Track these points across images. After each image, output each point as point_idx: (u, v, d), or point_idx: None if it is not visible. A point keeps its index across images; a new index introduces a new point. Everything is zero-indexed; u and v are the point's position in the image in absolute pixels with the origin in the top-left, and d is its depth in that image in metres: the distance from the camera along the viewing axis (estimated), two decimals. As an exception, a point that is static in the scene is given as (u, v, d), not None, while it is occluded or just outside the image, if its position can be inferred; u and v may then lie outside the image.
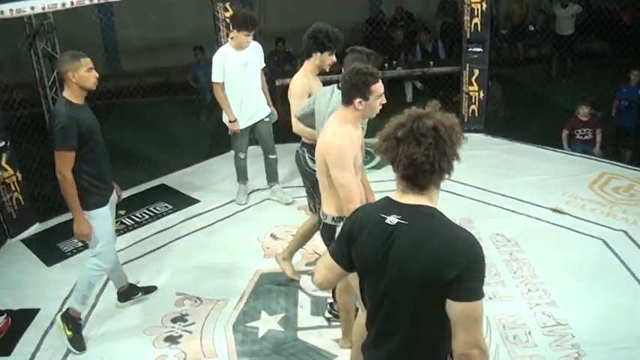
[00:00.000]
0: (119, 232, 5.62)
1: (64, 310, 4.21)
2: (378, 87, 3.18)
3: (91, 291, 4.17)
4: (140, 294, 4.57)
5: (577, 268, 4.68)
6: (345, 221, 2.34)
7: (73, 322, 4.11)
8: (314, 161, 3.88)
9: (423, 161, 2.01)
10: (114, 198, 4.20)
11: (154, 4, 7.18)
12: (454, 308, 1.97)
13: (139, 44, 10.21)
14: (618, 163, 6.56)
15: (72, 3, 5.74)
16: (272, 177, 6.10)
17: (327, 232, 3.44)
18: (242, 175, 6.08)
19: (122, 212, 6.01)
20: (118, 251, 5.25)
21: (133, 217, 5.95)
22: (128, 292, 4.53)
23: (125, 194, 6.30)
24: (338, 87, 3.67)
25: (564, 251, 4.92)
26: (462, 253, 1.98)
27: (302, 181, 4.48)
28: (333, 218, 3.40)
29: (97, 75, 3.86)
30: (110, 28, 10.63)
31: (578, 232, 5.23)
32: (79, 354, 4.07)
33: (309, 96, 4.24)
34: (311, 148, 3.98)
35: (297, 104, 4.25)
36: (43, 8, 5.67)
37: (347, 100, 3.23)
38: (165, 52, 10.07)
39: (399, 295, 2.07)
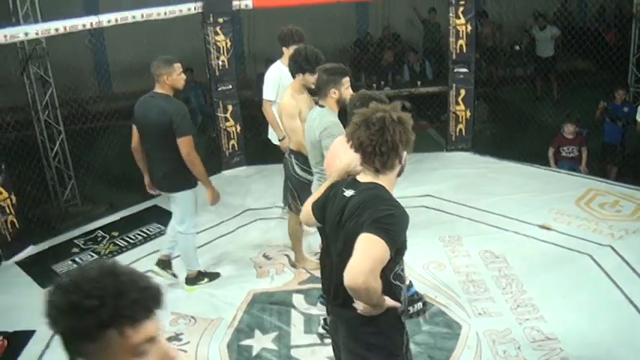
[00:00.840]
0: (112, 254, 5.70)
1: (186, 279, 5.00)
2: (347, 79, 3.89)
3: (194, 252, 4.97)
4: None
5: (565, 284, 4.77)
6: (327, 189, 2.81)
7: (200, 277, 5.02)
8: (301, 168, 4.59)
9: (367, 144, 2.46)
10: None
11: (145, 28, 7.26)
12: (358, 239, 2.39)
13: (130, 67, 10.29)
14: (604, 180, 6.68)
15: (65, 28, 5.84)
16: None
17: None
18: None
19: (115, 234, 6.08)
20: (112, 272, 5.35)
21: (126, 238, 6.01)
22: (166, 264, 5.06)
23: (118, 216, 6.47)
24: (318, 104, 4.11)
25: (552, 267, 5.01)
26: (379, 212, 2.42)
27: (285, 184, 4.94)
28: None
29: (185, 77, 4.61)
30: (101, 52, 10.73)
31: (565, 247, 5.32)
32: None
33: (300, 113, 4.58)
34: (298, 155, 4.65)
35: (288, 122, 4.68)
36: (37, 34, 5.77)
37: None
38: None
39: (346, 250, 2.46)
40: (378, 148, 2.46)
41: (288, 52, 5.28)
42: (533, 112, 8.95)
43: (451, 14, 7.19)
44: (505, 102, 9.14)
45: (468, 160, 7.25)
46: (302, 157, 4.69)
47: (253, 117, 7.64)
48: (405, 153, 2.56)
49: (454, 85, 7.42)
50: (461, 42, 7.21)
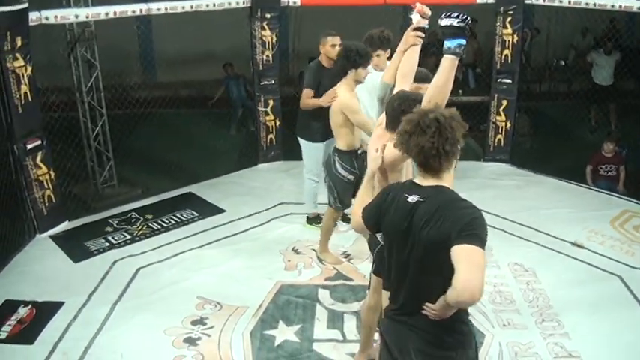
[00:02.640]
0: (146, 235, 5.80)
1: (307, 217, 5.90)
2: None
3: (308, 197, 5.84)
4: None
5: (592, 302, 4.71)
6: (379, 196, 2.77)
7: (314, 219, 5.85)
8: (342, 167, 4.80)
9: (430, 147, 2.42)
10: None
11: (193, 18, 7.37)
12: (454, 252, 2.33)
13: (175, 56, 10.45)
14: (638, 202, 6.56)
15: (115, 13, 5.96)
16: None
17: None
18: None
19: (149, 216, 6.18)
20: (143, 253, 5.48)
21: (159, 221, 6.09)
22: (315, 219, 5.84)
23: (153, 200, 6.59)
24: None
25: (581, 285, 4.95)
26: (462, 217, 2.40)
27: (325, 179, 5.13)
28: None
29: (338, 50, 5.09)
30: (148, 39, 10.90)
31: (595, 267, 5.24)
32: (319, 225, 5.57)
33: None
34: (342, 154, 4.87)
35: (355, 117, 4.78)
36: (87, 17, 5.90)
37: (395, 127, 3.14)
38: (200, 65, 10.29)
39: (419, 257, 2.49)
40: (442, 149, 2.43)
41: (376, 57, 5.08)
42: (574, 129, 8.84)
43: (498, 24, 7.14)
44: (546, 116, 9.05)
45: (505, 172, 7.20)
46: (346, 157, 4.86)
47: (293, 113, 7.68)
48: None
49: (496, 95, 7.36)
50: (506, 52, 7.15)
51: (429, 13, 3.39)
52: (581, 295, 4.80)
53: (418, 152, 2.46)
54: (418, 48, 3.47)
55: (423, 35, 3.41)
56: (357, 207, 2.89)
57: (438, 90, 2.94)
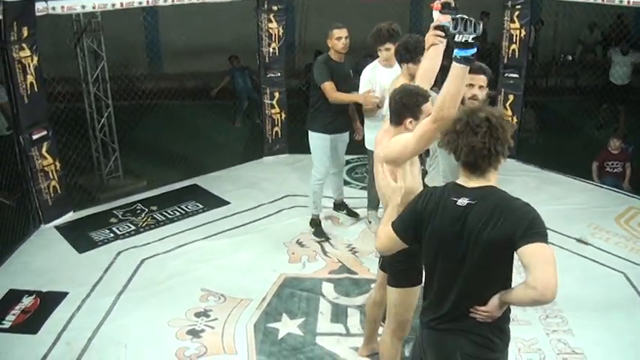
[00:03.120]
0: (150, 227, 5.81)
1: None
2: (429, 107, 3.14)
3: (315, 197, 5.57)
4: (345, 211, 5.93)
5: (596, 300, 4.69)
6: (412, 205, 2.66)
7: (313, 222, 5.63)
8: None
9: (481, 147, 2.37)
10: (345, 137, 5.65)
11: (200, 10, 7.36)
12: (525, 252, 2.31)
13: (182, 47, 10.44)
14: (644, 198, 6.54)
15: (122, 4, 5.95)
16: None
17: None
18: None
19: (154, 208, 6.19)
20: (147, 244, 5.48)
21: (164, 213, 6.10)
22: (339, 206, 5.97)
23: (158, 192, 6.58)
24: None
25: (585, 281, 4.93)
26: (524, 217, 2.36)
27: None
28: None
29: (345, 43, 5.32)
30: (155, 30, 10.89)
31: (600, 263, 5.22)
32: (321, 240, 5.52)
33: None
34: None
35: None
36: (94, 7, 5.87)
37: (397, 121, 3.23)
38: (206, 56, 10.28)
39: (475, 259, 2.43)
40: (494, 148, 2.38)
41: (379, 52, 5.12)
42: (581, 125, 8.80)
43: (506, 18, 7.09)
44: (553, 112, 9.01)
45: (511, 167, 7.16)
46: None
47: (299, 106, 7.68)
48: None
49: (503, 89, 7.33)
50: (514, 46, 7.10)
51: (451, 1, 3.30)
52: (585, 292, 4.77)
53: (468, 152, 2.40)
54: (440, 47, 3.37)
55: (443, 34, 3.29)
56: (381, 230, 2.78)
57: (451, 98, 2.80)
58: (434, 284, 2.63)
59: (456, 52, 2.71)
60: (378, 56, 5.21)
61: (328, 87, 5.33)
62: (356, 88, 5.37)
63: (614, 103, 9.02)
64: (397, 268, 3.34)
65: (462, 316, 2.55)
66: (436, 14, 3.33)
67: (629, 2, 6.31)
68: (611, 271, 5.10)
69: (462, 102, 3.67)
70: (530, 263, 2.30)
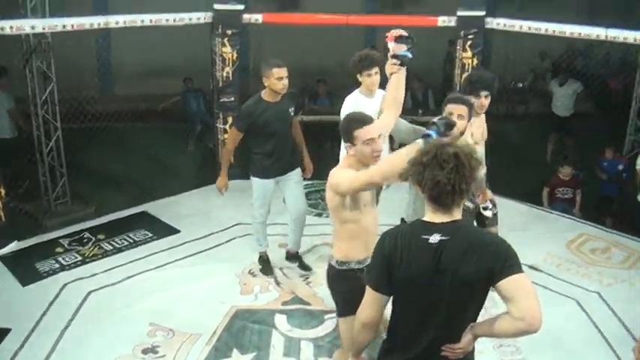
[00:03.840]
0: (97, 257, 5.63)
1: None
2: (363, 133, 3.13)
3: (258, 234, 5.40)
4: (297, 264, 5.54)
5: (549, 327, 4.60)
6: (379, 249, 2.55)
7: (260, 259, 5.46)
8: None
9: (446, 183, 2.34)
10: (293, 176, 5.27)
11: (153, 32, 7.28)
12: (506, 285, 2.34)
13: (134, 69, 10.28)
14: (597, 225, 6.62)
15: (72, 26, 5.83)
16: None
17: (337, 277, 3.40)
18: None
19: (101, 236, 6.02)
20: (94, 275, 5.31)
21: (112, 242, 5.93)
22: (293, 257, 5.57)
23: (106, 219, 6.42)
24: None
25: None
26: (500, 250, 2.39)
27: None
28: (338, 262, 3.37)
29: (285, 84, 4.88)
30: (106, 52, 10.70)
31: (552, 290, 5.25)
32: (269, 277, 5.33)
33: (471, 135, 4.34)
34: None
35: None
36: (44, 28, 5.74)
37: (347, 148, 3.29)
38: (160, 79, 10.14)
39: (453, 297, 2.40)
40: (458, 186, 2.36)
41: (362, 79, 4.86)
42: (531, 151, 8.92)
43: (458, 47, 7.21)
44: (504, 138, 9.10)
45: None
46: None
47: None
48: None
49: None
50: (466, 74, 7.20)
51: (402, 33, 3.33)
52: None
53: (433, 186, 2.37)
54: (400, 75, 3.42)
55: (398, 62, 3.36)
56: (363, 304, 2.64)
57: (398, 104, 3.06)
58: (402, 327, 2.57)
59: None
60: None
61: (231, 134, 5.23)
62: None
63: (560, 133, 9.10)
64: (340, 298, 3.36)
65: (434, 356, 2.52)
66: (391, 44, 3.35)
67: (580, 34, 6.48)
68: (564, 297, 5.15)
69: None
70: (513, 296, 2.33)
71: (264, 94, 5.00)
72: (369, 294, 2.57)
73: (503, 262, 2.34)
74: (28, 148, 6.77)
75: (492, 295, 2.41)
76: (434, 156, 2.36)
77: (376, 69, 4.79)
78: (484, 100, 4.46)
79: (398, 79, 3.43)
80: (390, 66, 3.41)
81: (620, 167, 7.38)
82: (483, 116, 4.69)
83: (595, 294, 5.20)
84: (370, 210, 3.34)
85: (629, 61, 9.23)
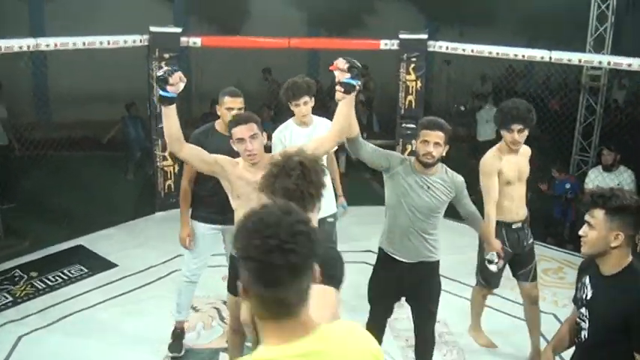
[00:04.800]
0: (29, 297, 5.28)
1: None
2: (235, 131, 3.45)
3: (180, 298, 4.53)
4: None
5: (507, 352, 4.61)
6: None
7: (174, 331, 4.57)
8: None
9: (294, 189, 2.43)
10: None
11: (90, 56, 7.04)
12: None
13: (71, 95, 9.96)
14: (547, 245, 6.61)
15: (0, 48, 5.54)
16: None
17: None
18: None
19: (34, 274, 5.67)
20: (26, 317, 4.95)
21: (45, 279, 5.59)
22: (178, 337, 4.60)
23: (39, 254, 6.07)
24: None
25: (495, 334, 4.82)
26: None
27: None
28: None
29: (233, 114, 4.10)
30: (43, 77, 10.35)
31: (507, 314, 5.18)
32: (174, 356, 4.48)
33: (500, 174, 4.26)
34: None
35: (483, 180, 4.34)
36: (-30, 52, 5.43)
37: None
38: (97, 105, 9.84)
39: None
40: (307, 191, 2.45)
41: (292, 109, 4.60)
42: (474, 171, 8.91)
43: (402, 70, 7.19)
44: (451, 159, 9.10)
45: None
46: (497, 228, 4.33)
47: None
48: None
49: (401, 139, 7.36)
50: (410, 97, 7.19)
51: (344, 64, 3.30)
52: (497, 343, 4.71)
53: (283, 194, 2.42)
54: (345, 102, 3.38)
55: (342, 90, 3.32)
56: None
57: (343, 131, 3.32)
58: None
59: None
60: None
61: (185, 170, 4.44)
62: None
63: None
64: None
65: None
66: (336, 72, 3.34)
67: (524, 56, 6.53)
68: (519, 321, 5.00)
69: (417, 158, 3.69)
70: None
71: (217, 124, 4.42)
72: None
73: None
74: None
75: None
76: (282, 167, 2.48)
77: (305, 98, 4.49)
78: (516, 135, 4.18)
79: (343, 106, 3.40)
80: (337, 94, 3.37)
81: (568, 186, 7.41)
82: (524, 152, 4.43)
83: (550, 315, 5.14)
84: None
85: (568, 84, 9.42)
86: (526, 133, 4.22)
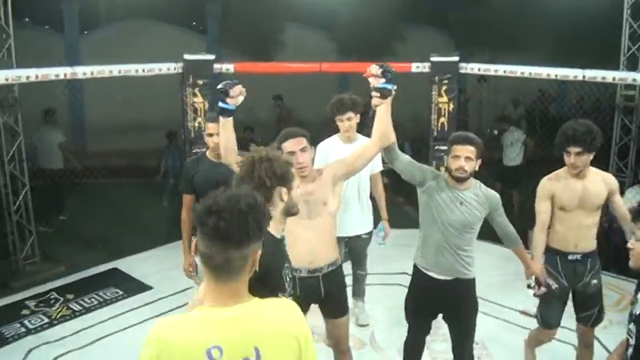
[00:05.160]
0: (65, 319, 5.33)
1: None
2: (286, 145, 3.55)
3: None
4: None
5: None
6: None
7: None
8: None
9: (247, 181, 2.58)
10: None
11: (125, 85, 7.16)
12: None
13: (106, 125, 10.13)
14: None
15: (37, 76, 5.64)
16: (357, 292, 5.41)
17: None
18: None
19: (70, 296, 5.72)
20: (61, 339, 4.98)
21: (81, 301, 5.65)
22: None
23: (75, 277, 6.12)
24: None
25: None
26: None
27: None
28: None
29: (216, 141, 4.05)
30: (78, 107, 10.56)
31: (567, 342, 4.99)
32: None
33: (552, 197, 4.07)
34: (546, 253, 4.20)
35: (537, 205, 4.17)
36: (7, 80, 5.55)
37: None
38: (132, 134, 9.98)
39: None
40: (270, 183, 2.59)
41: (338, 124, 4.74)
42: (507, 196, 8.80)
43: (434, 92, 7.17)
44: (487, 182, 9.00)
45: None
46: (550, 256, 4.16)
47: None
48: (284, 190, 2.63)
49: (434, 162, 7.31)
50: (442, 120, 7.16)
51: (377, 70, 3.35)
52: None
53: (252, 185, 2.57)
54: (383, 108, 3.44)
55: (378, 95, 3.37)
56: None
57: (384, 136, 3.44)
58: None
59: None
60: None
61: (185, 201, 4.45)
62: None
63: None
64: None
65: None
66: (370, 79, 3.38)
67: (556, 75, 6.46)
68: (559, 343, 4.87)
69: (450, 174, 3.64)
70: None
71: (208, 152, 4.46)
72: None
73: None
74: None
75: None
76: (252, 161, 2.62)
77: (349, 114, 4.64)
78: (573, 159, 3.93)
79: (381, 111, 3.45)
80: (374, 100, 3.41)
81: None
82: (601, 179, 4.10)
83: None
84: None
85: (602, 104, 9.29)
86: (587, 157, 3.94)
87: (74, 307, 5.53)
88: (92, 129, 10.77)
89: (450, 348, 4.14)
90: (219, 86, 3.34)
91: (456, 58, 7.16)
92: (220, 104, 3.33)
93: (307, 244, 3.53)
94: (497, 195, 3.84)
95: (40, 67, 5.78)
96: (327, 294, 3.67)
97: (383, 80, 3.31)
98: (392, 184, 9.48)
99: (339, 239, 4.55)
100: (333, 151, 4.72)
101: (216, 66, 7.02)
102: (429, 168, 3.96)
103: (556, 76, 6.54)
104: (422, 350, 4.13)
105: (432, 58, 7.13)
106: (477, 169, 3.71)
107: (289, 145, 3.53)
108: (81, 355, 4.79)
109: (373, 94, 3.38)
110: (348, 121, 4.67)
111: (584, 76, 6.38)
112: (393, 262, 6.21)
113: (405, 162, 3.74)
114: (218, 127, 3.79)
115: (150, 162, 9.66)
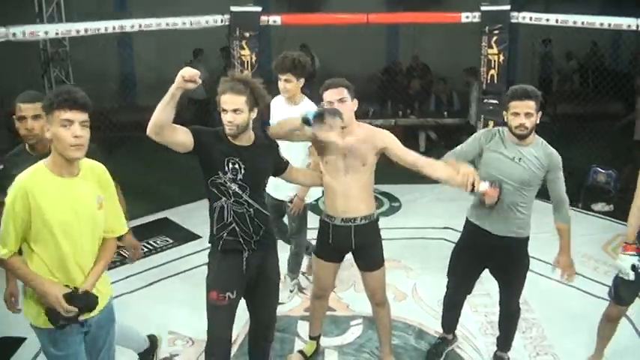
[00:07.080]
0: (116, 264, 5.48)
1: None
2: (326, 94, 3.55)
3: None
4: None
5: (587, 333, 4.43)
6: None
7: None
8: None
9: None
10: None
11: (175, 40, 7.19)
12: None
13: (156, 78, 10.23)
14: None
15: (86, 30, 5.72)
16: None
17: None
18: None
19: (121, 244, 5.87)
20: (112, 283, 5.11)
21: (132, 248, 5.79)
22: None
23: (129, 225, 6.25)
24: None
25: (575, 314, 4.71)
26: None
27: None
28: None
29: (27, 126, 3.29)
30: (128, 61, 10.69)
31: (590, 294, 5.02)
32: None
33: None
34: None
35: None
36: (57, 33, 5.66)
37: None
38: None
39: None
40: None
41: (279, 82, 4.41)
42: (564, 153, 8.62)
43: (483, 43, 6.99)
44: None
45: (492, 195, 6.97)
46: None
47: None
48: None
49: (482, 116, 7.18)
50: (492, 72, 6.99)
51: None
52: (576, 326, 4.56)
53: None
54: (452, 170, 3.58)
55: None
56: None
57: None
58: None
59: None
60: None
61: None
62: None
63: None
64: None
65: None
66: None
67: (610, 25, 6.24)
68: (602, 301, 4.75)
69: (510, 131, 3.56)
70: None
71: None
72: None
73: None
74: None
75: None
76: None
77: (287, 75, 4.29)
78: None
79: (444, 172, 3.65)
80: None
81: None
82: None
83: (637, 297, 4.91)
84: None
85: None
86: None
87: (125, 254, 5.69)
88: (142, 83, 10.90)
89: (491, 302, 4.13)
90: (319, 110, 3.40)
91: (507, 7, 6.95)
92: (307, 114, 3.32)
93: (342, 197, 3.60)
94: (558, 156, 3.72)
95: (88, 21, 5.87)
96: (358, 246, 3.68)
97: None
98: (438, 139, 9.43)
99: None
100: (275, 109, 4.49)
101: (263, 18, 6.99)
102: (476, 137, 3.84)
103: (609, 25, 6.31)
104: (461, 307, 4.15)
105: (483, 8, 6.94)
106: (537, 122, 3.61)
107: (328, 95, 3.51)
108: (132, 298, 4.95)
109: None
110: (286, 82, 4.32)
111: (637, 26, 6.14)
112: (436, 218, 6.17)
113: (459, 159, 3.68)
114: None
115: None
